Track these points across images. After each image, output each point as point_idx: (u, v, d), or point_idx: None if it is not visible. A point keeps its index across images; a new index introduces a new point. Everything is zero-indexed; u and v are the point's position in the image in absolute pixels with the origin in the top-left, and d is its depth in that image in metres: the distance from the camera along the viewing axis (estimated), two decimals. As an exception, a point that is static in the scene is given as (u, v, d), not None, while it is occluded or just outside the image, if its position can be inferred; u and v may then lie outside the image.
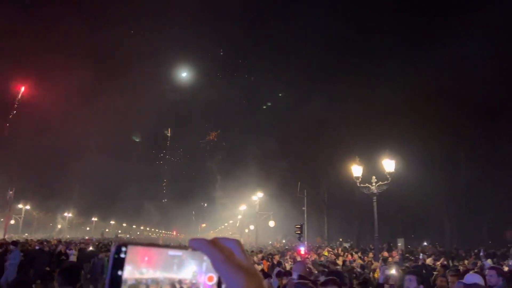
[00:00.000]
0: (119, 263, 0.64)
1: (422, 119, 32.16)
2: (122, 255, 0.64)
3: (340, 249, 25.54)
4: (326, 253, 21.25)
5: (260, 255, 17.00)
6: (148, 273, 0.66)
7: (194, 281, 0.69)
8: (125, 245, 0.65)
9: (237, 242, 0.69)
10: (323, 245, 35.13)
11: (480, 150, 31.50)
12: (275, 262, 15.05)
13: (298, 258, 17.26)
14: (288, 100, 74.47)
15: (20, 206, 57.96)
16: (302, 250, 20.70)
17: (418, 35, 44.84)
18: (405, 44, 46.49)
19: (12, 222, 57.08)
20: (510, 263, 12.30)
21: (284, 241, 51.76)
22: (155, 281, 0.66)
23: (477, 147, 31.44)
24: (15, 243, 15.70)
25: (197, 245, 0.67)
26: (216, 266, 0.66)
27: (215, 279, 0.68)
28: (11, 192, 48.14)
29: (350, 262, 16.28)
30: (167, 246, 0.69)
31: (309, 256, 20.03)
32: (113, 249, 0.65)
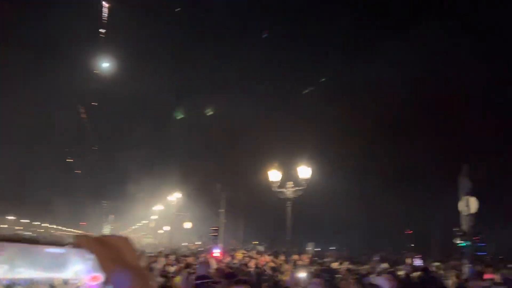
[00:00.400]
0: None
1: (339, 130, 34.22)
2: None
3: (254, 252, 25.99)
4: (239, 255, 21.46)
5: (173, 257, 16.66)
6: (26, 273, 0.60)
7: (76, 281, 0.63)
8: None
9: (126, 240, 0.65)
10: (237, 247, 35.51)
11: (385, 163, 34.38)
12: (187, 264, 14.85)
13: (213, 261, 17.21)
14: (213, 102, 74.30)
15: None
16: (217, 252, 20.71)
17: (340, 49, 47.53)
18: (328, 56, 49.03)
19: None
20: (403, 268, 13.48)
21: (199, 242, 51.39)
22: (32, 281, 0.60)
23: (384, 160, 34.29)
24: None
25: (81, 243, 0.62)
26: (101, 265, 0.61)
27: (99, 279, 0.63)
28: None
29: (263, 264, 16.61)
30: (45, 242, 0.62)
31: (223, 259, 20.08)
32: None
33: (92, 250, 0.63)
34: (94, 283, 0.52)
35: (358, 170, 36.03)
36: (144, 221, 72.35)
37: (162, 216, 58.60)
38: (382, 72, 36.30)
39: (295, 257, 20.13)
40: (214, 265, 16.17)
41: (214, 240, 23.64)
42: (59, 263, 0.51)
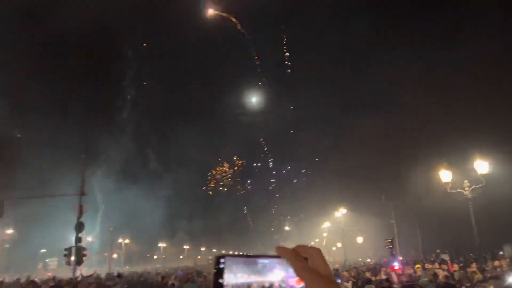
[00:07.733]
0: (220, 272, 0.83)
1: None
2: (221, 266, 0.83)
3: (436, 264, 23.70)
4: (418, 267, 19.77)
5: (352, 272, 16.51)
6: (243, 278, 0.83)
7: (283, 285, 0.84)
8: (223, 257, 0.84)
9: (318, 250, 0.82)
10: (418, 258, 32.86)
11: None
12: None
13: (393, 275, 16.43)
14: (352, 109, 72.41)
15: (120, 240, 62.28)
16: (396, 265, 19.54)
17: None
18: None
19: (115, 256, 61.67)
20: None
21: (375, 257, 49.41)
22: (248, 284, 0.83)
23: None
24: (119, 275, 17.12)
25: (281, 253, 0.82)
26: (297, 273, 0.79)
27: (302, 284, 0.82)
28: (111, 229, 52.28)
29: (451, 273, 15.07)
30: (256, 255, 0.86)
31: (404, 272, 18.89)
32: (214, 260, 0.84)
33: (288, 259, 0.82)
34: (298, 286, 0.67)
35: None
36: (316, 239, 73.60)
37: (332, 232, 58.72)
38: None
39: (496, 262, 17.76)
40: (395, 279, 15.40)
41: (391, 253, 22.31)
42: (267, 270, 0.68)
